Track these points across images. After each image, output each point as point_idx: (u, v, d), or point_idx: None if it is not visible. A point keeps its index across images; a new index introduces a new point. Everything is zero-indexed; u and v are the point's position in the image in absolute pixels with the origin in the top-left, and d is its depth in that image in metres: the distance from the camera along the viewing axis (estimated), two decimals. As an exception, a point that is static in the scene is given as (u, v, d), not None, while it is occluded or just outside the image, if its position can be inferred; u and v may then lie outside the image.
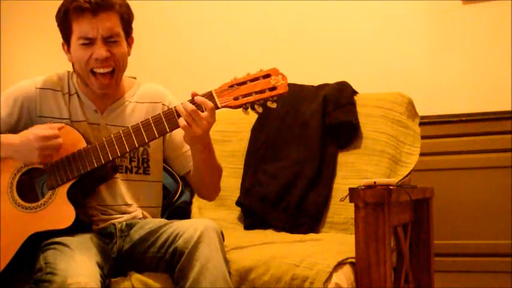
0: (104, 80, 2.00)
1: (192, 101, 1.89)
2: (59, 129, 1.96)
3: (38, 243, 1.89)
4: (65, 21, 2.00)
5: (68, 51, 2.04)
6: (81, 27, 1.96)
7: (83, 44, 1.97)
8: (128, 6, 2.05)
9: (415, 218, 2.38)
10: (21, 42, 3.94)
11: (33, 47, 3.95)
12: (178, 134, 2.10)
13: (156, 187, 2.13)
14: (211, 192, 2.17)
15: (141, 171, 2.09)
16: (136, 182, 2.08)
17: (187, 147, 2.09)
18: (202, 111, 1.87)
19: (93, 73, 1.99)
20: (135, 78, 2.19)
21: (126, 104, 2.10)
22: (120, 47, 2.01)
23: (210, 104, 1.87)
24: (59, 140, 1.92)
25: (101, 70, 1.98)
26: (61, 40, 2.06)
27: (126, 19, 2.03)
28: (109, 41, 1.98)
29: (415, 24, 3.18)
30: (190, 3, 3.57)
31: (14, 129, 2.07)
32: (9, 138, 1.96)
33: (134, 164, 2.08)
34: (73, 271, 1.72)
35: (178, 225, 1.89)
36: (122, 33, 2.02)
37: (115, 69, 2.00)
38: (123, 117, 2.06)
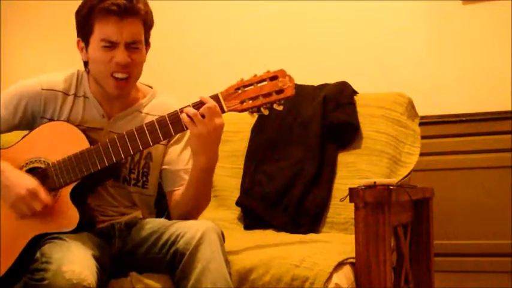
0: (121, 84, 1.97)
1: (199, 103, 1.87)
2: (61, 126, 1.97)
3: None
4: (87, 19, 1.96)
5: (86, 50, 2.01)
6: (105, 29, 1.94)
7: (105, 47, 1.94)
8: (151, 14, 2.03)
9: (415, 218, 2.38)
10: (21, 42, 3.94)
11: (33, 47, 3.95)
12: (175, 150, 2.08)
13: (151, 200, 2.12)
14: (187, 219, 2.06)
15: (139, 184, 2.06)
16: (131, 193, 2.07)
17: (180, 166, 2.07)
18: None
19: (113, 76, 1.97)
20: (151, 87, 2.15)
21: (136, 113, 2.07)
22: (140, 55, 1.99)
23: (207, 104, 1.84)
24: (40, 208, 1.89)
25: (119, 75, 1.96)
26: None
27: (149, 26, 2.02)
28: (131, 47, 1.96)
29: (415, 24, 3.18)
30: (191, 4, 3.57)
31: (16, 127, 2.07)
32: (3, 173, 1.93)
33: (133, 176, 2.05)
34: (68, 260, 1.73)
35: (179, 226, 1.88)
36: (143, 41, 2.00)
37: (131, 75, 1.98)
38: (129, 127, 1.97)
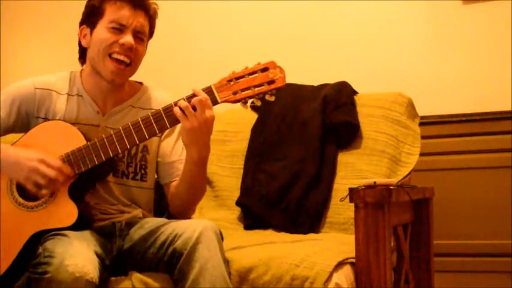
0: (120, 66, 2.00)
1: (192, 96, 1.90)
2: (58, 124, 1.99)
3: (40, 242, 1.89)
4: (100, 4, 2.02)
5: (90, 34, 2.04)
6: (117, 13, 2.00)
7: (113, 28, 2.00)
8: (155, 20, 2.11)
9: (415, 218, 2.38)
10: (21, 42, 3.94)
11: (33, 47, 3.95)
12: (169, 142, 2.11)
13: (150, 194, 2.14)
14: (184, 211, 2.10)
15: (138, 177, 2.08)
16: (131, 188, 2.08)
17: (175, 157, 2.10)
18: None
19: (110, 58, 2.00)
20: (141, 83, 2.19)
21: (129, 108, 2.10)
22: (142, 46, 2.05)
23: (199, 97, 1.86)
24: (55, 174, 1.89)
25: (121, 57, 2.00)
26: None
27: (152, 28, 2.10)
28: (137, 35, 2.02)
29: (415, 24, 3.18)
30: (190, 3, 3.57)
31: (12, 129, 2.07)
32: (6, 153, 1.95)
33: (131, 169, 2.08)
34: (70, 254, 1.73)
35: (176, 226, 1.89)
36: (147, 35, 2.07)
37: (131, 63, 2.02)
38: (124, 122, 2.01)
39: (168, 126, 1.92)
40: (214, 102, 1.89)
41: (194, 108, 1.87)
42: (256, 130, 2.73)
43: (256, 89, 1.87)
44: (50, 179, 1.89)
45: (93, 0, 2.05)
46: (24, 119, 2.07)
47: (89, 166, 1.93)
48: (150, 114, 1.91)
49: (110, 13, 2.01)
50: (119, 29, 2.00)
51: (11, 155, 1.94)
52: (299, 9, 3.36)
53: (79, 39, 2.09)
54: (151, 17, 2.07)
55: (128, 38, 1.99)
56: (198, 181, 2.03)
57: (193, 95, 1.89)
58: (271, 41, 3.39)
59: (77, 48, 2.12)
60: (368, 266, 1.92)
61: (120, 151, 1.94)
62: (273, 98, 1.89)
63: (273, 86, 1.87)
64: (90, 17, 2.04)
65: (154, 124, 1.91)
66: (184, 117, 1.87)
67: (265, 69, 1.88)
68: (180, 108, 1.88)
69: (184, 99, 1.90)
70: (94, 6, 2.04)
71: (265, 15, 3.44)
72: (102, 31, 2.01)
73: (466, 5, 3.09)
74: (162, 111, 1.91)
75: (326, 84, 2.76)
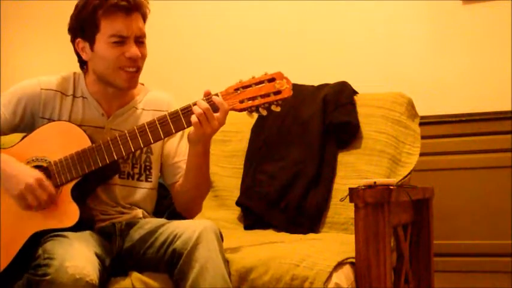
0: (132, 76, 2.00)
1: (206, 100, 1.90)
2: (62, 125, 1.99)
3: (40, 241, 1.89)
4: (92, 17, 1.97)
5: (90, 48, 2.01)
6: (114, 25, 1.96)
7: (115, 42, 1.97)
8: (147, 15, 2.08)
9: (415, 218, 2.38)
10: (21, 42, 3.94)
11: (33, 47, 3.95)
12: (173, 143, 2.11)
13: (154, 194, 2.14)
14: (191, 208, 2.11)
15: (142, 178, 2.09)
16: (135, 189, 2.08)
17: (179, 158, 2.10)
18: (215, 111, 1.88)
19: (122, 70, 1.99)
20: (142, 84, 2.18)
21: (133, 110, 2.10)
22: (145, 48, 2.04)
23: (226, 105, 1.88)
24: (46, 197, 1.89)
25: (131, 69, 1.99)
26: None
27: (145, 22, 2.07)
28: (139, 41, 2.00)
29: (415, 24, 3.18)
30: (191, 4, 3.57)
31: (16, 128, 2.08)
32: (7, 164, 1.94)
33: (136, 170, 2.08)
34: (70, 255, 1.73)
35: (176, 226, 1.89)
36: (145, 35, 2.05)
37: (139, 68, 2.02)
38: (128, 123, 2.03)
39: (174, 132, 1.93)
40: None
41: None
42: (256, 130, 2.73)
43: (263, 98, 1.89)
44: (40, 201, 1.90)
45: (83, 13, 1.99)
46: (29, 119, 2.07)
47: (93, 168, 1.93)
48: (156, 119, 1.92)
49: (107, 26, 1.96)
50: (121, 41, 1.97)
51: (12, 167, 1.93)
52: (299, 9, 3.36)
53: (76, 51, 2.06)
54: (144, 14, 2.04)
55: (133, 50, 1.97)
56: (204, 174, 2.03)
57: (207, 98, 1.89)
58: (272, 41, 3.39)
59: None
60: (368, 266, 1.92)
61: (124, 154, 1.94)
62: (278, 109, 1.90)
63: (279, 97, 1.88)
64: (85, 31, 2.00)
65: (159, 129, 1.91)
66: (199, 126, 1.88)
67: (272, 80, 1.89)
68: (198, 118, 1.87)
69: (198, 102, 1.88)
70: (85, 19, 1.99)
71: (266, 15, 3.44)
72: (104, 47, 1.98)
73: (466, 5, 3.09)
74: (168, 117, 1.91)
75: (326, 84, 2.76)
